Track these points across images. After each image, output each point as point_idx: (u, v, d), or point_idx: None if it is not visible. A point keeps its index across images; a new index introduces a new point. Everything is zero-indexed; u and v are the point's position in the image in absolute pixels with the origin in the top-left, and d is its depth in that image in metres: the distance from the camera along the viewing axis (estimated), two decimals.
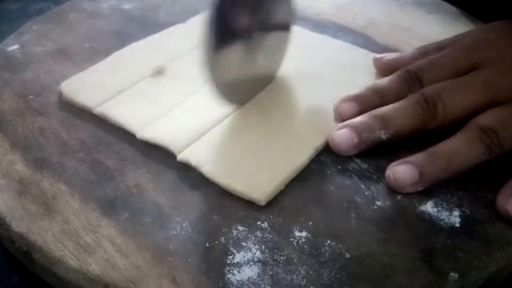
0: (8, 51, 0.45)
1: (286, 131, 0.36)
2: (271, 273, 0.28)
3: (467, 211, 0.31)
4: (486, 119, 0.34)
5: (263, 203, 0.31)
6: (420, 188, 0.32)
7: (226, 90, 0.35)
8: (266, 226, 0.30)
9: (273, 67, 0.41)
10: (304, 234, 0.30)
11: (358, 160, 0.35)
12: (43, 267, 0.29)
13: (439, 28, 0.49)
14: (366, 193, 0.33)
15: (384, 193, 0.32)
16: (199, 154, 0.34)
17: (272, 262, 0.28)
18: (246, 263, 0.28)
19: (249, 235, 0.30)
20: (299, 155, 0.34)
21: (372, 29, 0.49)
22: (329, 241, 0.30)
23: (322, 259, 0.29)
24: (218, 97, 0.35)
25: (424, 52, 0.40)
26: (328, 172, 0.34)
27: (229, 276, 0.28)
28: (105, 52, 0.44)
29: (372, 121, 0.35)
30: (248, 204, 0.32)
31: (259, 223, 0.31)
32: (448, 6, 0.52)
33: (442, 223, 0.31)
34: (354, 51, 0.45)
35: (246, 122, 0.37)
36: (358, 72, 0.42)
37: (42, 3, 0.57)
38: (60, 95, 0.40)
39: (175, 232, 0.30)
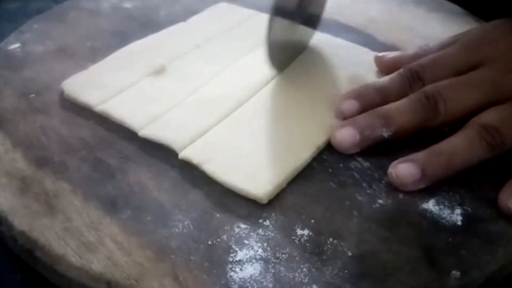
0: (9, 50, 0.45)
1: (287, 129, 0.36)
2: (273, 271, 0.28)
3: (468, 209, 0.31)
4: (488, 117, 0.34)
5: (265, 201, 0.31)
6: (422, 186, 0.32)
7: (274, 51, 0.39)
8: (268, 224, 0.30)
9: (307, 37, 0.45)
10: (306, 232, 0.30)
11: (360, 159, 0.35)
12: (45, 265, 0.29)
13: (440, 26, 0.49)
14: (368, 191, 0.33)
15: (386, 191, 0.32)
16: (201, 152, 0.34)
17: (274, 260, 0.28)
18: (248, 261, 0.28)
19: (251, 233, 0.30)
20: (301, 153, 0.34)
21: (374, 27, 0.49)
22: (331, 239, 0.30)
23: (324, 257, 0.29)
24: (267, 56, 0.39)
25: (425, 50, 0.40)
26: (330, 170, 0.34)
27: (231, 274, 0.28)
28: (106, 51, 0.44)
29: (374, 119, 0.35)
30: (250, 202, 0.32)
31: (261, 221, 0.31)
32: (449, 4, 0.52)
33: (444, 221, 0.31)
34: (355, 50, 0.45)
35: (247, 120, 0.37)
36: (359, 71, 0.42)
37: (42, 2, 0.56)
38: (61, 94, 0.40)
39: (177, 230, 0.30)
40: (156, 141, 0.35)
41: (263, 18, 0.49)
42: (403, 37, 0.47)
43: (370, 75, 0.41)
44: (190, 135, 0.35)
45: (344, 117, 0.36)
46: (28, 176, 0.33)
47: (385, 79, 0.38)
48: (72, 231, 0.30)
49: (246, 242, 0.29)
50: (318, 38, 0.46)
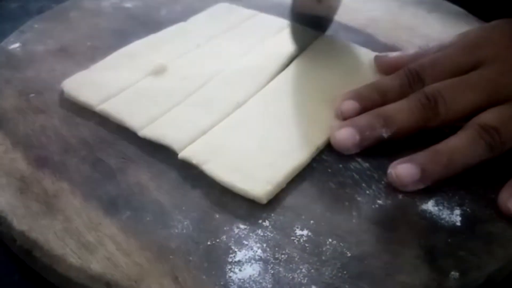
0: (9, 50, 0.45)
1: (287, 129, 0.36)
2: (272, 271, 0.28)
3: (468, 210, 0.31)
4: (488, 117, 0.34)
5: (264, 201, 0.31)
6: (422, 187, 0.32)
7: (296, 28, 0.42)
8: (268, 224, 0.30)
9: (330, 15, 0.47)
10: (305, 232, 0.30)
11: (359, 159, 0.35)
12: (45, 266, 0.29)
13: (440, 26, 0.49)
14: (368, 191, 0.33)
15: (385, 191, 0.32)
16: (200, 152, 0.34)
17: (273, 261, 0.28)
18: (247, 261, 0.28)
19: (251, 234, 0.30)
20: (301, 154, 0.34)
21: (374, 27, 0.49)
22: (330, 240, 0.30)
23: (323, 258, 0.29)
24: (290, 31, 0.43)
25: (425, 50, 0.40)
26: (330, 170, 0.34)
27: (231, 274, 0.28)
28: (107, 50, 0.44)
29: (373, 119, 0.35)
30: (250, 202, 0.32)
31: (260, 221, 0.31)
32: (449, 4, 0.52)
33: (443, 221, 0.31)
34: (355, 50, 0.45)
35: (247, 120, 0.37)
36: (359, 71, 0.42)
37: (43, 2, 0.56)
38: (62, 94, 0.40)
39: (176, 231, 0.30)
40: (156, 141, 0.35)
41: (264, 18, 0.49)
42: (403, 37, 0.47)
43: (370, 75, 0.41)
44: (190, 135, 0.35)
45: (344, 118, 0.36)
46: (28, 176, 0.33)
47: (385, 79, 0.38)
48: (71, 231, 0.30)
49: (246, 242, 0.29)
50: (318, 38, 0.46)
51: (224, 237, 0.30)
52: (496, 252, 0.29)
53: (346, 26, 0.49)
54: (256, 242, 0.29)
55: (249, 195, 0.32)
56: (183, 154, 0.34)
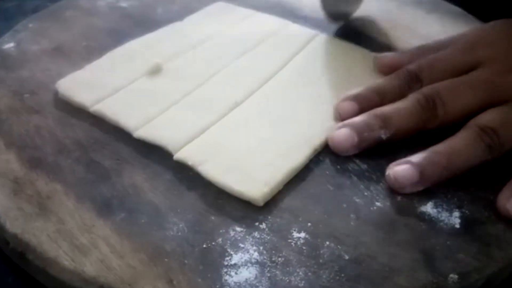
0: (3, 49, 0.45)
1: (284, 131, 0.36)
2: (269, 274, 0.27)
3: (467, 211, 0.31)
4: (486, 118, 0.33)
5: (261, 203, 0.31)
6: (420, 188, 0.32)
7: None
8: (264, 227, 0.30)
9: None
10: (302, 235, 0.30)
11: (357, 160, 0.34)
12: (38, 268, 0.29)
13: (439, 27, 0.49)
14: (366, 193, 0.32)
15: (383, 193, 0.32)
16: (196, 154, 0.34)
17: (270, 264, 0.28)
18: (243, 264, 0.28)
19: (247, 236, 0.29)
20: (298, 155, 0.34)
21: (372, 28, 0.49)
22: (328, 242, 0.29)
23: (321, 261, 0.28)
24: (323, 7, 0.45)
25: (424, 51, 0.40)
26: (327, 172, 0.34)
27: (226, 277, 0.27)
28: (102, 50, 0.43)
29: (372, 120, 0.34)
30: (246, 204, 0.31)
31: (257, 223, 0.30)
32: (447, 5, 0.52)
33: (442, 223, 0.30)
34: (354, 50, 0.45)
35: (243, 121, 0.37)
36: (358, 71, 0.42)
37: (38, 1, 0.56)
38: (56, 94, 0.39)
39: (171, 233, 0.30)
40: (151, 142, 0.35)
41: (261, 18, 0.49)
42: (402, 37, 0.47)
43: (369, 76, 0.41)
44: (186, 136, 0.35)
45: (342, 119, 0.36)
46: (21, 177, 0.33)
47: (384, 80, 0.38)
48: (64, 233, 0.29)
49: (242, 245, 0.29)
50: (317, 38, 0.46)
51: (220, 239, 0.29)
52: (495, 254, 0.29)
53: (345, 26, 0.49)
54: (252, 245, 0.29)
55: (245, 197, 0.31)
56: (178, 155, 0.33)
